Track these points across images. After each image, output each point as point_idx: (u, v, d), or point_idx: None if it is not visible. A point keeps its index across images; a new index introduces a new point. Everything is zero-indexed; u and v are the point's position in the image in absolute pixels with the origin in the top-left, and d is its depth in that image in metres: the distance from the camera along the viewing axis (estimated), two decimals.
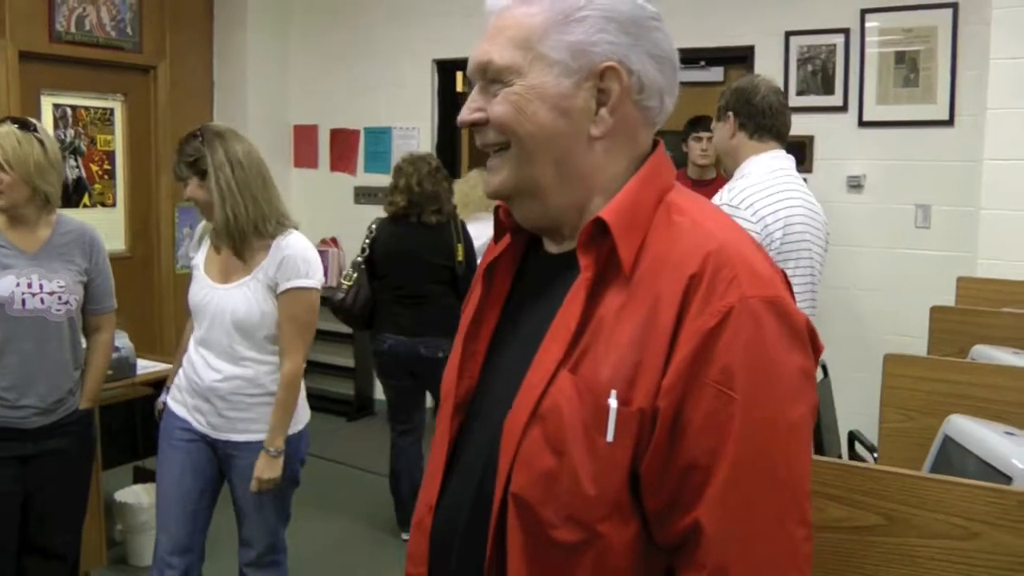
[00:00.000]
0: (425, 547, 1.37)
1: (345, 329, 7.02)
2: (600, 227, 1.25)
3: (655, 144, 1.36)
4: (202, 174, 3.06)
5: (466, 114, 1.33)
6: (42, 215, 3.16)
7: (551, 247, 1.38)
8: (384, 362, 4.79)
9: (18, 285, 3.05)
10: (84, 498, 3.39)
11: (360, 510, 5.20)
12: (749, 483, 1.16)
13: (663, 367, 1.18)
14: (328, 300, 4.51)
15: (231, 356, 3.11)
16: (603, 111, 1.29)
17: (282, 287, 3.07)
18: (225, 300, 3.11)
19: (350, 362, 7.14)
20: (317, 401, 6.88)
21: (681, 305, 1.18)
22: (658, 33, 1.32)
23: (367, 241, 4.79)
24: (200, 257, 3.24)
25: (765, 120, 3.11)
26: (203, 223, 3.30)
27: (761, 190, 3.00)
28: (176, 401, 3.24)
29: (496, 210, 1.44)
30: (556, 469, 1.19)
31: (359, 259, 4.82)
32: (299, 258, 3.09)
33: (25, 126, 3.11)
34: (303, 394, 3.25)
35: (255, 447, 3.10)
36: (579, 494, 1.19)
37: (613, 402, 1.18)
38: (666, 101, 1.34)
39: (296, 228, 3.17)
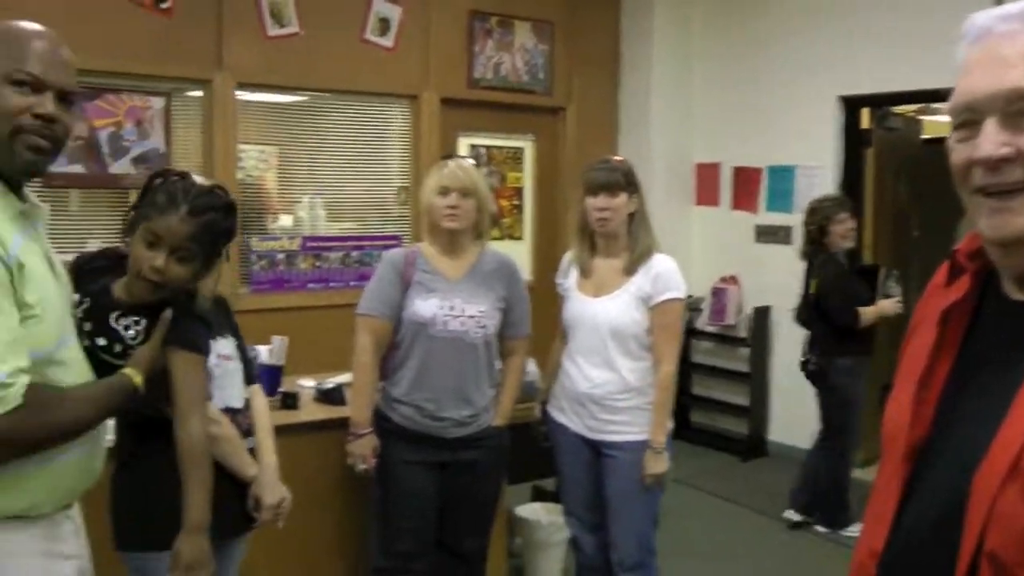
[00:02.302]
0: None
1: (741, 367, 7.24)
2: None
3: None
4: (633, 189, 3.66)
5: (991, 149, 1.22)
6: (471, 244, 3.64)
7: (1018, 294, 1.31)
8: None
9: (440, 308, 3.51)
10: (494, 508, 3.80)
11: (750, 554, 5.39)
12: None
13: None
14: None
15: (606, 362, 3.61)
16: None
17: (656, 299, 3.58)
18: (601, 311, 3.63)
19: (745, 401, 7.27)
20: (711, 438, 7.20)
21: None
22: None
23: None
24: (571, 280, 3.78)
25: None
26: (568, 253, 3.86)
27: None
28: (555, 408, 3.81)
29: (954, 253, 1.40)
30: None
31: None
32: (671, 274, 3.62)
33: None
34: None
35: (629, 446, 3.58)
36: None
37: None
38: None
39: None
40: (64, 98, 2.04)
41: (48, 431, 1.97)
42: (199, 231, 2.25)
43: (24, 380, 1.87)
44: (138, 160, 5.53)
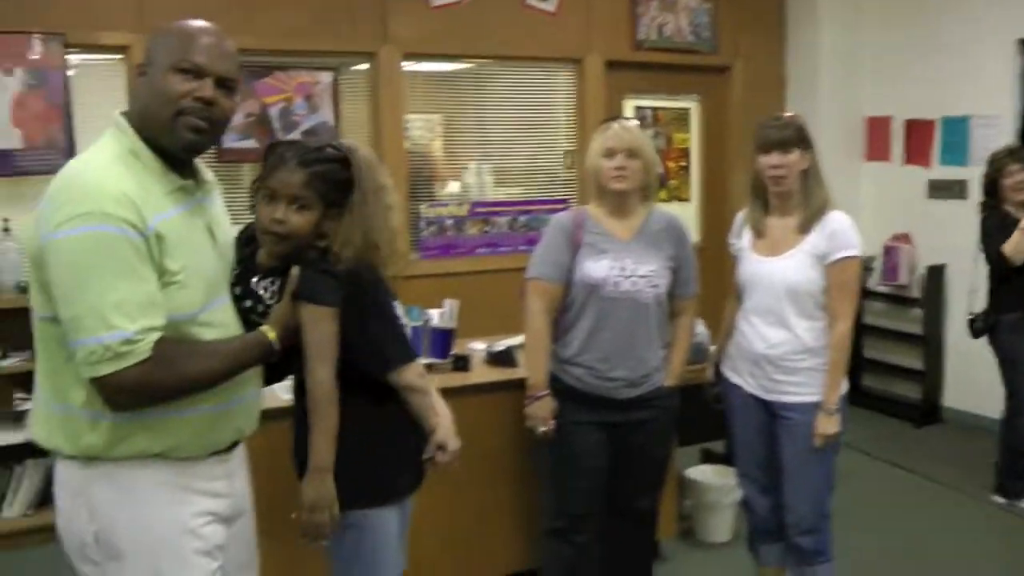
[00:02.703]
0: None
1: (914, 329, 7.07)
2: None
3: None
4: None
5: None
6: (639, 205, 3.66)
7: None
8: None
9: (612, 268, 3.54)
10: (664, 468, 3.83)
11: (923, 521, 5.28)
12: None
13: None
14: None
15: (781, 322, 3.56)
16: None
17: (833, 257, 3.50)
18: (776, 270, 3.58)
19: (918, 364, 7.10)
20: (883, 403, 7.06)
21: None
22: None
23: None
24: (745, 240, 3.74)
25: None
26: (741, 212, 3.80)
27: None
28: (729, 369, 3.79)
29: None
30: None
31: None
32: (847, 231, 3.54)
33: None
34: None
35: (804, 408, 3.53)
36: None
37: None
38: None
39: None
40: (224, 84, 2.25)
41: (177, 381, 2.17)
42: (310, 179, 2.42)
43: (153, 336, 2.08)
44: (308, 134, 5.73)
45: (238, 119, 5.57)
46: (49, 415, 2.25)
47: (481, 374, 4.19)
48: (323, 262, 2.45)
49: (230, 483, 2.42)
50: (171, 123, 2.19)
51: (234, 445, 2.45)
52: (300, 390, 2.87)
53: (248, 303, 2.43)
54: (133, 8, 5.34)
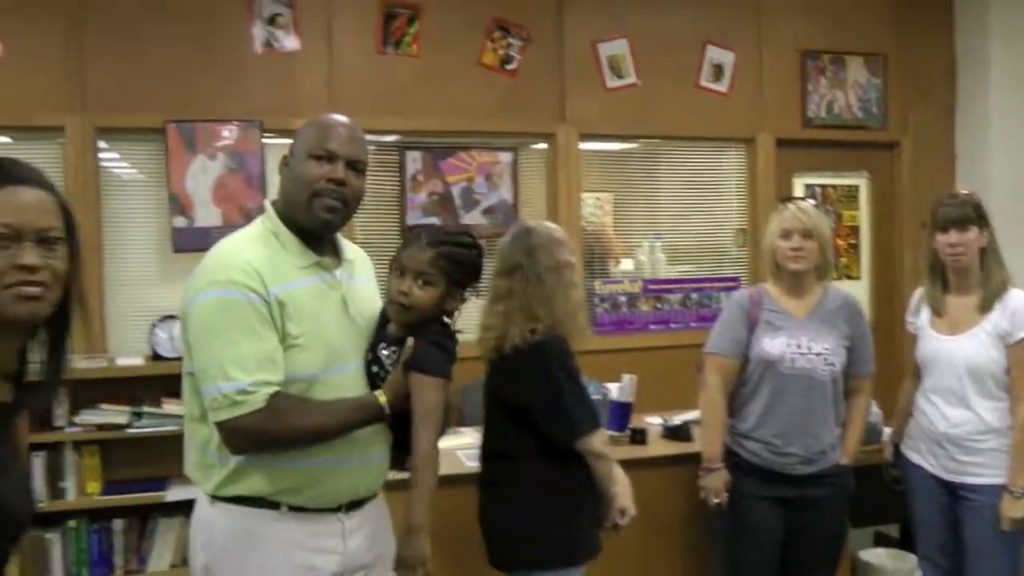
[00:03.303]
0: None
1: None
2: None
3: None
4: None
5: None
6: (815, 284, 3.77)
7: None
8: None
9: (788, 346, 3.66)
10: (839, 547, 3.88)
11: None
12: None
13: None
14: None
15: (963, 401, 3.59)
16: None
17: (1015, 337, 3.54)
18: (957, 349, 3.62)
19: None
20: None
21: None
22: None
23: None
24: (923, 318, 3.80)
25: None
26: (919, 290, 3.88)
27: None
28: (910, 448, 3.83)
29: None
30: None
31: None
32: None
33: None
34: None
35: (989, 489, 3.54)
36: None
37: None
38: None
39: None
40: (354, 167, 2.56)
41: (288, 432, 2.43)
42: (436, 257, 2.59)
43: (267, 390, 2.37)
44: (488, 211, 6.02)
45: (422, 198, 5.92)
46: (192, 456, 2.57)
47: (658, 447, 4.34)
48: (439, 335, 2.61)
49: (344, 541, 2.59)
50: (308, 204, 2.51)
51: (354, 505, 2.63)
52: (486, 457, 3.13)
53: (375, 368, 2.63)
54: (324, 97, 5.77)
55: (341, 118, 2.66)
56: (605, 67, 6.28)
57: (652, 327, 6.44)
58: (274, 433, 2.41)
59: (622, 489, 3.21)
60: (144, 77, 5.58)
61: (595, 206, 6.52)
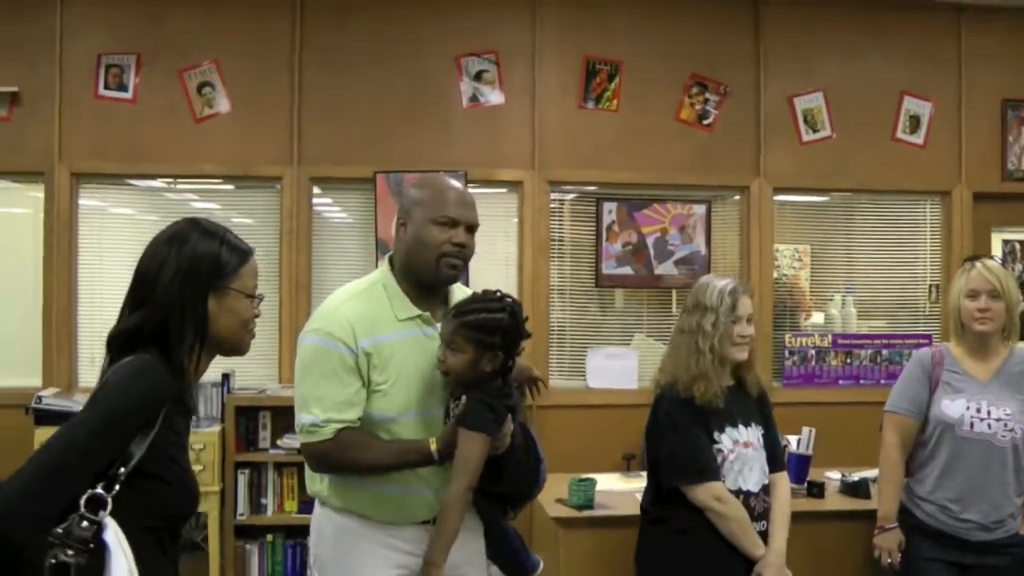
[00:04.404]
0: None
1: None
2: None
3: None
4: None
5: None
6: (1000, 345, 3.81)
7: None
8: None
9: (968, 409, 3.70)
10: None
11: None
12: None
13: None
14: None
15: None
16: None
17: None
18: None
19: None
20: None
21: None
22: None
23: None
24: None
25: None
26: None
27: None
28: None
29: None
30: None
31: None
32: None
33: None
34: None
35: None
36: None
37: None
38: None
39: None
40: (470, 230, 2.99)
41: (348, 462, 2.90)
42: (459, 327, 2.85)
43: (337, 426, 2.84)
44: (680, 262, 6.29)
45: (617, 247, 6.24)
46: (308, 470, 3.09)
47: (834, 502, 4.39)
48: (491, 394, 2.86)
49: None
50: (436, 265, 2.94)
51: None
52: (647, 500, 3.44)
53: (446, 419, 2.96)
54: (526, 149, 6.23)
55: (456, 184, 3.11)
56: (801, 120, 6.48)
57: (841, 382, 6.55)
58: (336, 461, 2.91)
59: (770, 558, 3.38)
60: (356, 131, 6.16)
61: (792, 257, 6.68)
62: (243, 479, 5.72)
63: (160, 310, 2.21)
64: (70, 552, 1.96)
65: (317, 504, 3.11)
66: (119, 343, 2.24)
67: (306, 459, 3.01)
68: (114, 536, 2.02)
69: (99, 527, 2.01)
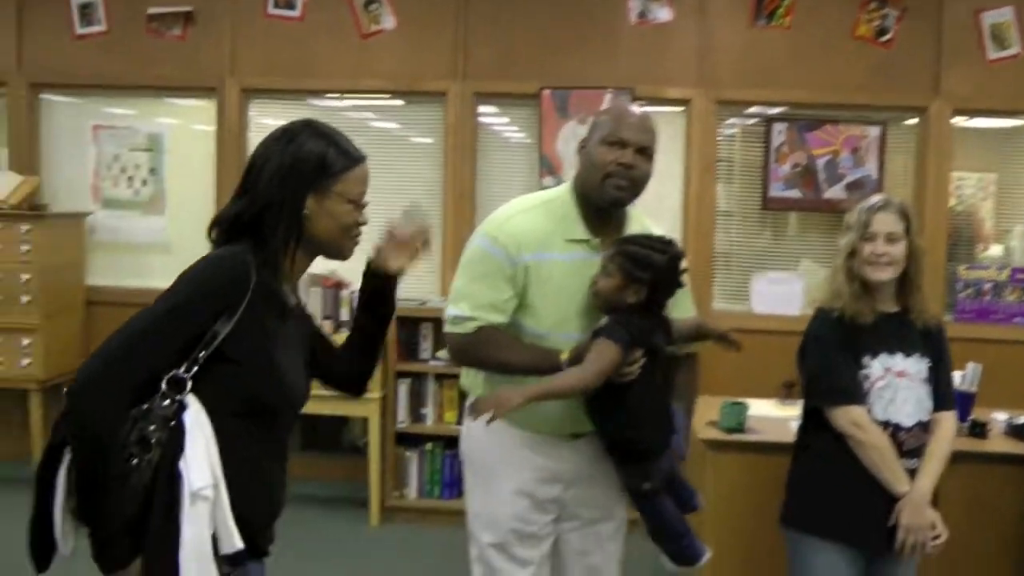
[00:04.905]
0: None
1: None
2: None
3: None
4: None
5: None
6: None
7: None
8: None
9: None
10: None
11: None
12: None
13: None
14: None
15: None
16: None
17: None
18: None
19: None
20: None
21: None
22: None
23: None
24: None
25: None
26: None
27: None
28: None
29: None
30: None
31: None
32: None
33: None
34: None
35: None
36: None
37: None
38: None
39: None
40: (642, 152, 2.97)
41: (482, 358, 3.06)
42: (615, 253, 2.93)
43: (478, 323, 2.97)
44: (851, 186, 6.09)
45: (786, 169, 6.09)
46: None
47: (998, 443, 4.25)
48: (631, 315, 2.92)
49: (572, 454, 3.13)
50: (600, 184, 2.96)
51: (577, 436, 3.12)
52: (814, 423, 3.35)
53: None
54: (694, 67, 6.09)
55: (635, 109, 3.15)
56: (987, 37, 6.12)
57: (1016, 319, 6.25)
58: (474, 355, 3.08)
59: (913, 496, 3.20)
60: (522, 47, 6.15)
61: (976, 187, 6.41)
62: (404, 388, 5.92)
63: (260, 202, 2.28)
64: (152, 427, 2.10)
65: (467, 410, 3.18)
66: (219, 231, 2.33)
67: (448, 349, 3.20)
68: (194, 416, 2.14)
69: (180, 406, 2.14)
